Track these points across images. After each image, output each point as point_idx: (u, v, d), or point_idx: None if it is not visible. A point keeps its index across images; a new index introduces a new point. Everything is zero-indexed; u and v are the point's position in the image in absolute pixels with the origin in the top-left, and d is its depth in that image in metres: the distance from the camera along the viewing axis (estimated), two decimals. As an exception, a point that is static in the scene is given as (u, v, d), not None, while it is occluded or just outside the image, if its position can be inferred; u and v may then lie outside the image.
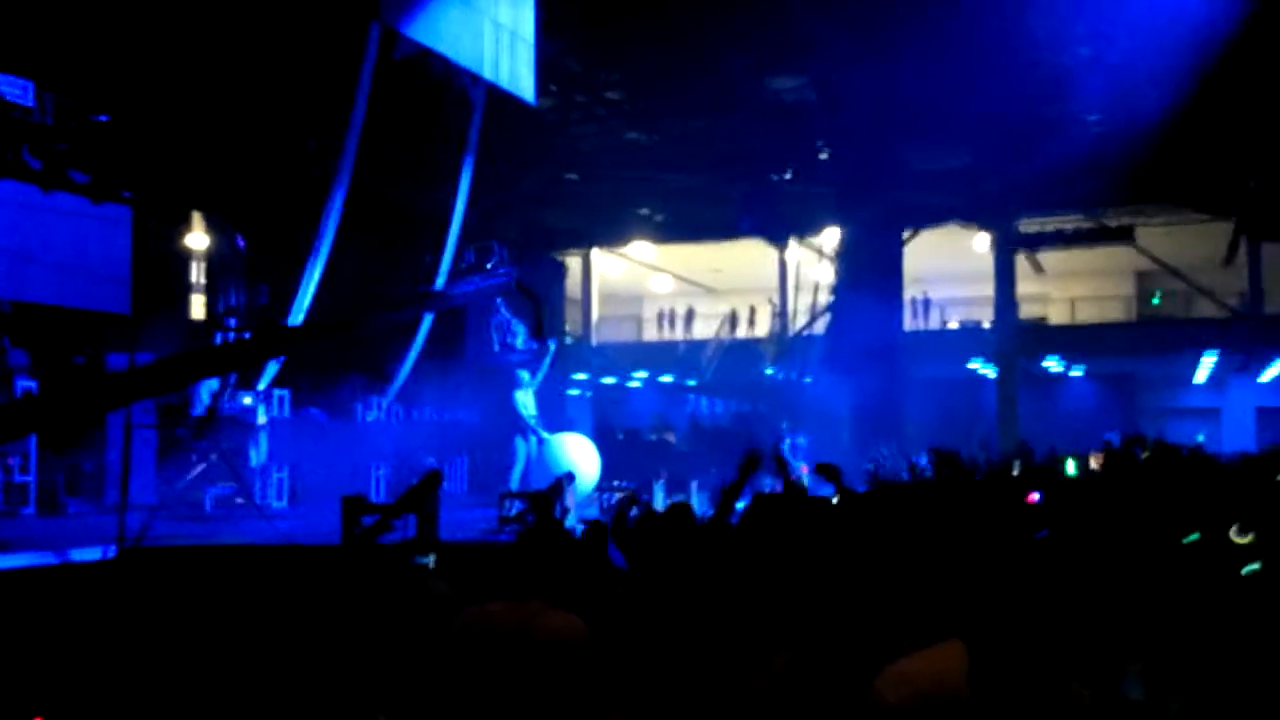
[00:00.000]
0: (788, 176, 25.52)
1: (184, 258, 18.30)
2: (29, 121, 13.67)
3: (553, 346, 16.16)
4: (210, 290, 18.59)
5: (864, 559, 4.73)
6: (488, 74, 16.99)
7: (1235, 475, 8.93)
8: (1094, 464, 13.02)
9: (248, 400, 15.13)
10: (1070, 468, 12.70)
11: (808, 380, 26.61)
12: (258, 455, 15.00)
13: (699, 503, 14.83)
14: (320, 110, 16.09)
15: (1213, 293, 27.44)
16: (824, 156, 24.47)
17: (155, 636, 6.40)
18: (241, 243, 17.82)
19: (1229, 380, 31.47)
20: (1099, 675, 3.79)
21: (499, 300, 13.56)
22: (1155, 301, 32.48)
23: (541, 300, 14.29)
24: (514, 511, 13.14)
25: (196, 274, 18.62)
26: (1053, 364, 30.69)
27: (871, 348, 22.52)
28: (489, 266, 20.00)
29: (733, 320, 34.56)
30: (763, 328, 32.44)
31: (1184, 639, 4.28)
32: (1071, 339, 29.80)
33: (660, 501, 14.09)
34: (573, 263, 31.32)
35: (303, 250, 15.78)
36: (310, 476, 15.49)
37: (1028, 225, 26.01)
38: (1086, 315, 31.72)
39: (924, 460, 14.06)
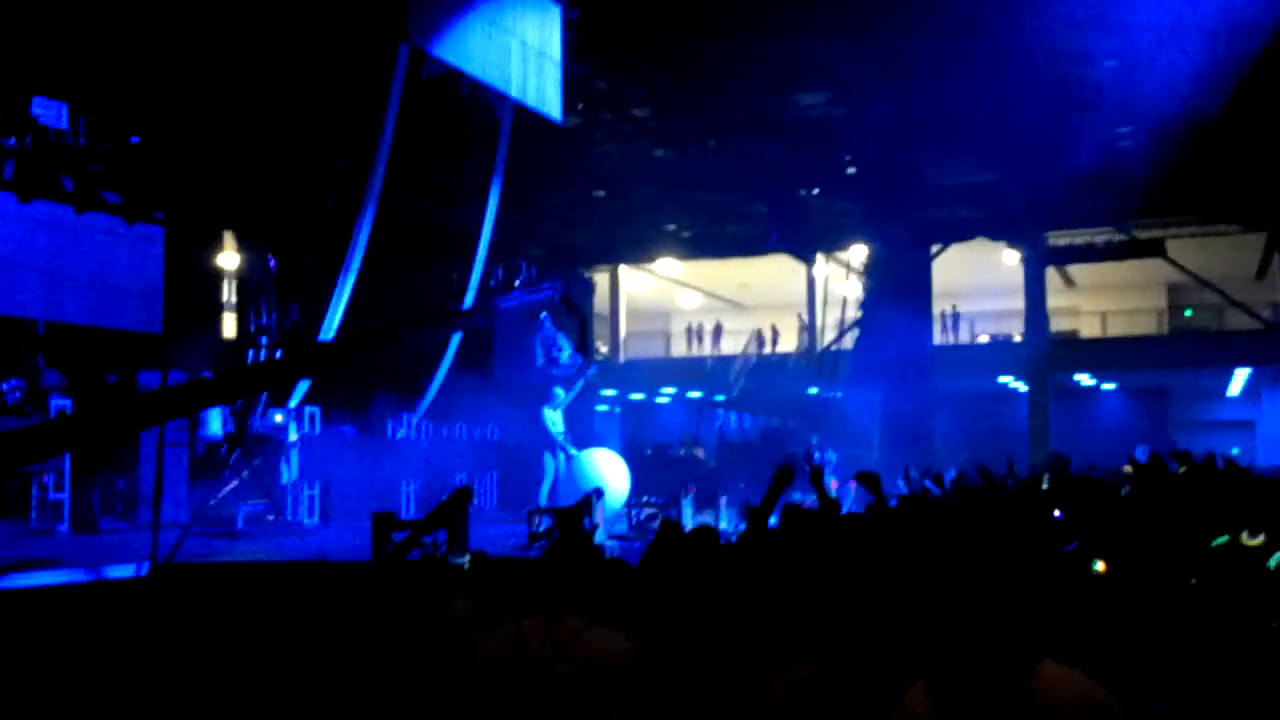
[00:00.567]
0: (815, 192, 25.53)
1: (216, 277, 18.43)
2: (63, 143, 13.85)
3: (594, 364, 16.16)
4: (241, 309, 18.72)
5: (893, 574, 4.72)
6: (515, 93, 17.06)
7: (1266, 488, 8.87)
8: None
9: (279, 418, 15.21)
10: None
11: (837, 395, 26.55)
12: (289, 472, 15.08)
13: (728, 518, 14.82)
14: (349, 130, 16.21)
15: (1246, 305, 27.23)
16: (851, 172, 24.45)
17: (189, 652, 6.44)
18: (272, 262, 17.97)
19: (1263, 393, 31.20)
20: (1131, 692, 3.78)
21: (545, 315, 13.60)
22: (1188, 315, 32.25)
23: (586, 315, 14.33)
24: (543, 527, 13.16)
25: (228, 293, 18.73)
26: (1084, 378, 30.51)
27: (900, 362, 22.45)
28: (517, 284, 20.08)
29: (760, 336, 34.57)
30: (791, 343, 32.42)
31: (1212, 659, 4.26)
32: (1103, 353, 29.61)
33: (688, 517, 14.08)
34: (600, 279, 31.40)
35: (333, 269, 15.87)
36: (341, 493, 15.55)
37: (1057, 239, 25.90)
38: (1118, 329, 31.53)
39: (952, 476, 14.01)
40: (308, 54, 15.09)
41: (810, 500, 8.08)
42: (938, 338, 28.83)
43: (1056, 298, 28.14)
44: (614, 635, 3.97)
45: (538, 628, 4.00)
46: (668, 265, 31.47)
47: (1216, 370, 29.22)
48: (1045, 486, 12.52)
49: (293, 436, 15.19)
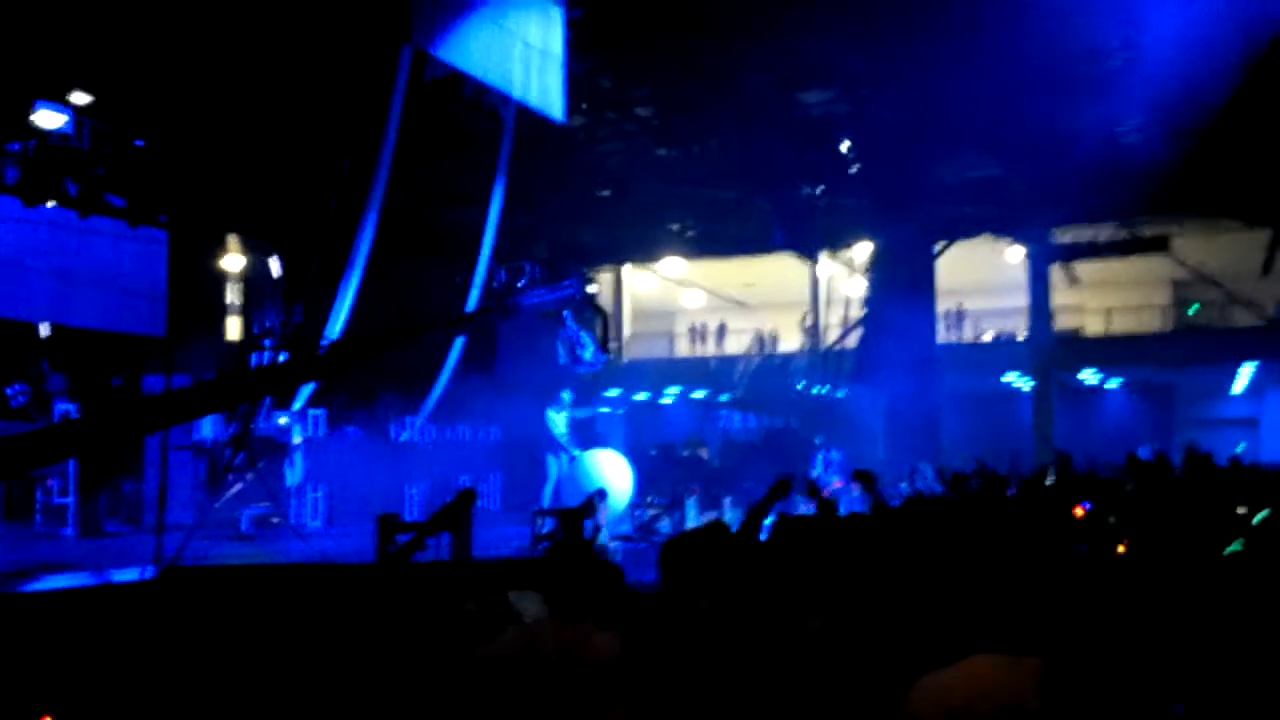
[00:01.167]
0: (819, 190, 25.50)
1: (220, 280, 18.46)
2: (67, 147, 13.87)
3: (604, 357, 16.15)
4: (246, 312, 18.75)
5: (897, 572, 4.73)
6: (518, 94, 17.08)
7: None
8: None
9: (283, 420, 15.24)
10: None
11: (841, 394, 26.53)
12: (293, 475, 15.10)
13: (733, 518, 14.82)
14: (353, 132, 16.23)
15: (1251, 302, 27.19)
16: (855, 170, 24.43)
17: (193, 655, 6.45)
18: (276, 264, 17.98)
19: (1268, 389, 31.14)
20: (1147, 696, 3.77)
21: (567, 313, 13.62)
22: (1192, 312, 32.19)
23: (608, 313, 14.36)
24: (547, 529, 13.17)
25: (232, 296, 18.77)
26: (1089, 375, 30.47)
27: (905, 361, 22.43)
28: (521, 284, 20.07)
29: (763, 339, 34.56)
30: (795, 342, 32.40)
31: (1230, 661, 4.25)
32: (1108, 350, 29.57)
33: (693, 517, 14.09)
34: (604, 279, 31.38)
35: (337, 271, 15.90)
36: (345, 495, 15.57)
37: (1062, 236, 25.86)
38: (1123, 326, 31.47)
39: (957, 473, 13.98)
40: (311, 56, 15.11)
41: (809, 509, 8.07)
42: (942, 336, 28.78)
43: (1061, 295, 28.09)
44: (612, 638, 3.98)
45: (547, 631, 4.00)
46: (672, 265, 31.47)
47: (1221, 367, 29.17)
48: (1049, 482, 12.51)
49: (297, 439, 15.21)
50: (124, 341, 16.11)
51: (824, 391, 27.43)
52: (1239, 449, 20.53)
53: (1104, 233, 25.77)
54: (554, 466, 15.72)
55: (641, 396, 32.12)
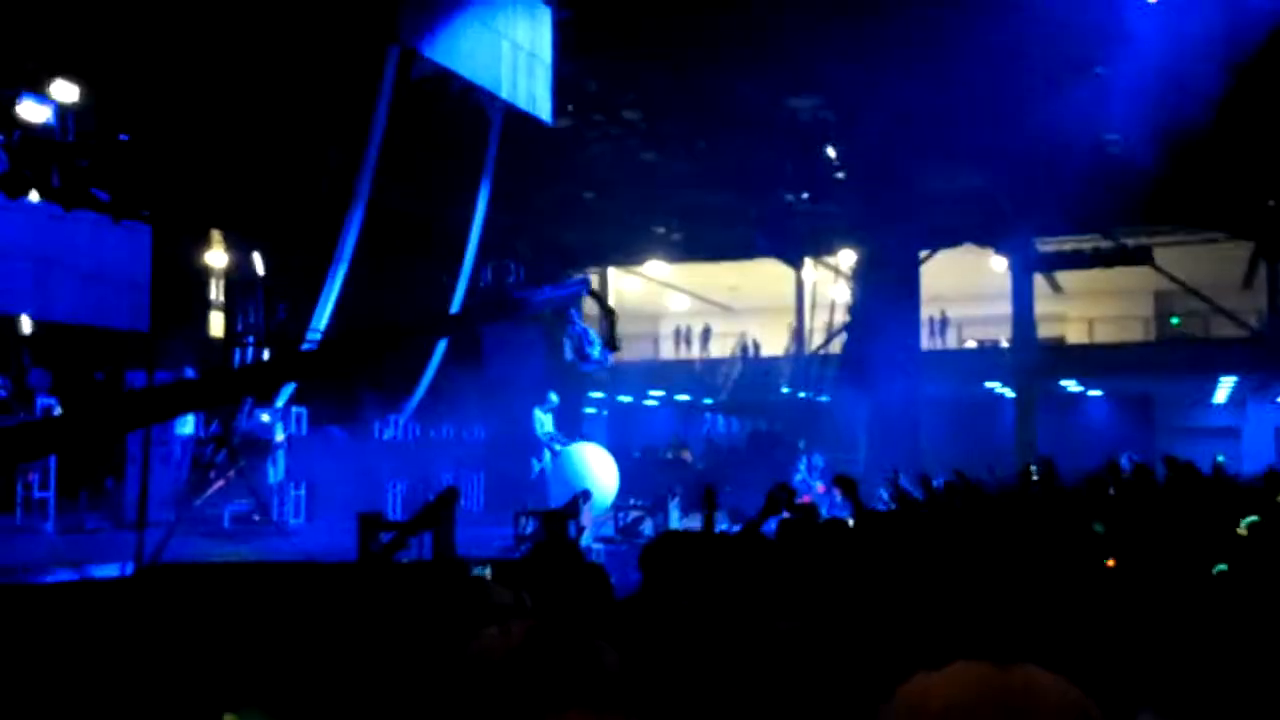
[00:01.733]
0: (804, 196, 25.56)
1: (203, 275, 18.39)
2: (50, 140, 13.79)
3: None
4: (229, 308, 18.68)
5: (882, 577, 4.74)
6: (505, 94, 17.06)
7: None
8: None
9: (265, 418, 15.18)
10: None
11: (824, 399, 26.58)
12: (275, 472, 15.05)
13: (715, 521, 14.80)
14: (339, 129, 16.18)
15: (1232, 313, 27.33)
16: (840, 176, 24.49)
17: (172, 653, 6.42)
18: (260, 260, 17.92)
19: (1248, 401, 31.31)
20: (1115, 703, 3.80)
21: (574, 311, 13.61)
22: (1175, 322, 32.35)
23: (614, 310, 14.36)
24: (529, 529, 13.17)
25: (215, 291, 18.71)
26: (1071, 384, 30.59)
27: (888, 367, 22.48)
28: (508, 283, 20.09)
29: (745, 347, 34.59)
30: (779, 347, 32.45)
31: (1200, 669, 4.28)
32: (1090, 359, 29.69)
33: (675, 520, 14.10)
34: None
35: (321, 269, 15.84)
36: (327, 493, 15.52)
37: (1045, 245, 25.96)
38: (1105, 335, 31.61)
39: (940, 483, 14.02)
40: (299, 53, 15.06)
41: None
42: (925, 343, 28.87)
43: (1044, 304, 28.20)
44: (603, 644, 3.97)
45: (523, 631, 3.99)
46: (657, 268, 31.47)
47: (1202, 378, 29.31)
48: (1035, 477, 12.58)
49: (279, 437, 15.15)
50: (106, 336, 16.02)
51: (808, 396, 27.48)
52: (1219, 459, 20.64)
53: (1087, 243, 25.88)
54: (537, 467, 15.72)
55: (625, 399, 32.13)
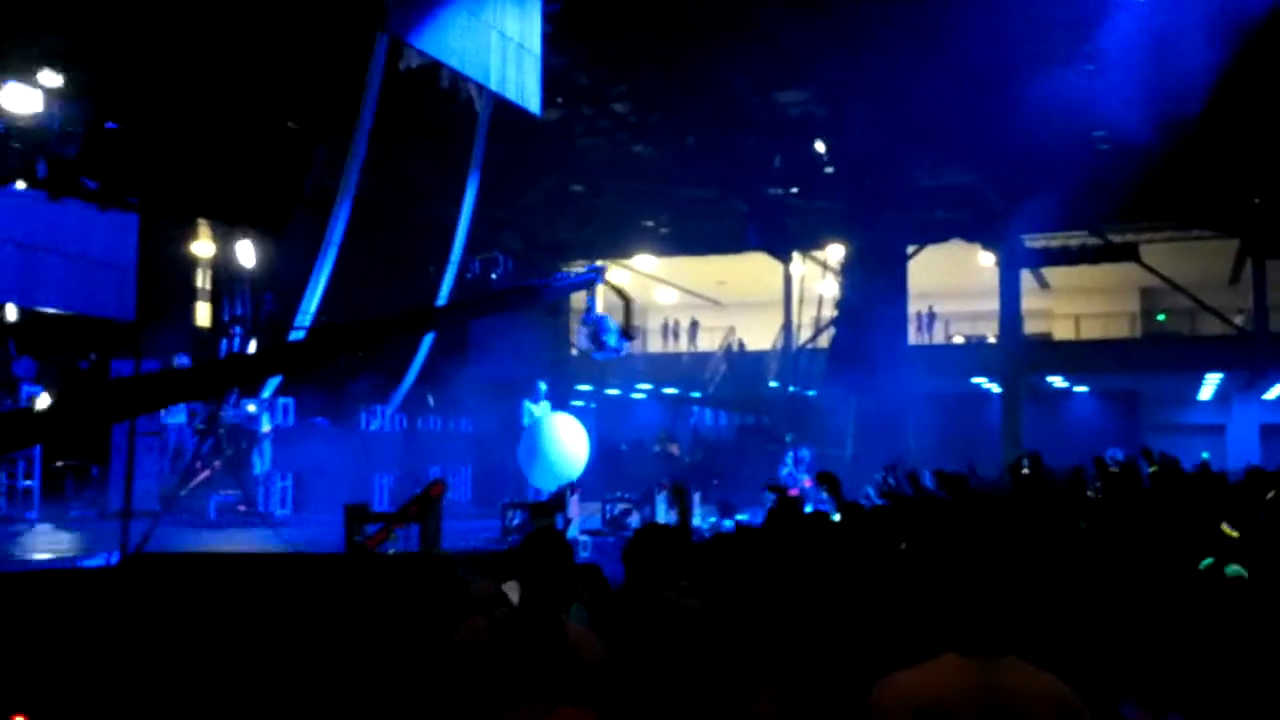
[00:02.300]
0: (793, 191, 25.58)
1: (190, 264, 18.34)
2: (37, 128, 13.74)
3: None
4: (216, 297, 18.63)
5: (867, 573, 4.75)
6: (494, 85, 17.01)
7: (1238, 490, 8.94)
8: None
9: (252, 408, 15.15)
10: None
11: (812, 394, 26.60)
12: (262, 463, 15.02)
13: (701, 515, 14.85)
14: (328, 120, 16.13)
15: (1218, 310, 27.43)
16: (829, 171, 24.51)
17: (157, 643, 6.41)
18: (248, 250, 17.87)
19: (1233, 398, 31.44)
20: (1099, 693, 3.81)
21: (591, 300, 13.59)
22: (1161, 319, 32.46)
23: (630, 298, 14.34)
24: (516, 521, 13.17)
25: (202, 281, 18.65)
26: (1057, 380, 30.68)
27: (876, 362, 22.51)
28: (494, 276, 20.04)
29: (729, 347, 34.60)
30: (767, 341, 32.47)
31: (1182, 660, 4.30)
32: (1076, 355, 29.78)
33: (663, 513, 14.11)
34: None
35: (309, 259, 15.80)
36: (314, 484, 15.50)
37: (1033, 242, 26.02)
38: (1091, 331, 31.71)
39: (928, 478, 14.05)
40: (287, 43, 15.01)
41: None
42: (913, 338, 28.93)
43: (1031, 300, 28.27)
44: (585, 632, 3.97)
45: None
46: (645, 261, 31.45)
47: (1188, 375, 29.42)
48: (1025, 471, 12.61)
49: (266, 427, 15.12)
50: (92, 325, 15.97)
51: (795, 390, 27.51)
52: (1204, 456, 20.72)
53: (1075, 240, 25.95)
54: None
55: (613, 392, 32.11)
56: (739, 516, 14.41)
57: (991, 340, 28.86)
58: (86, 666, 6.00)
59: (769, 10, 18.47)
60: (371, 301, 16.59)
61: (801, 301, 29.57)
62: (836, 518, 6.90)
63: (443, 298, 18.00)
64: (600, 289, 13.24)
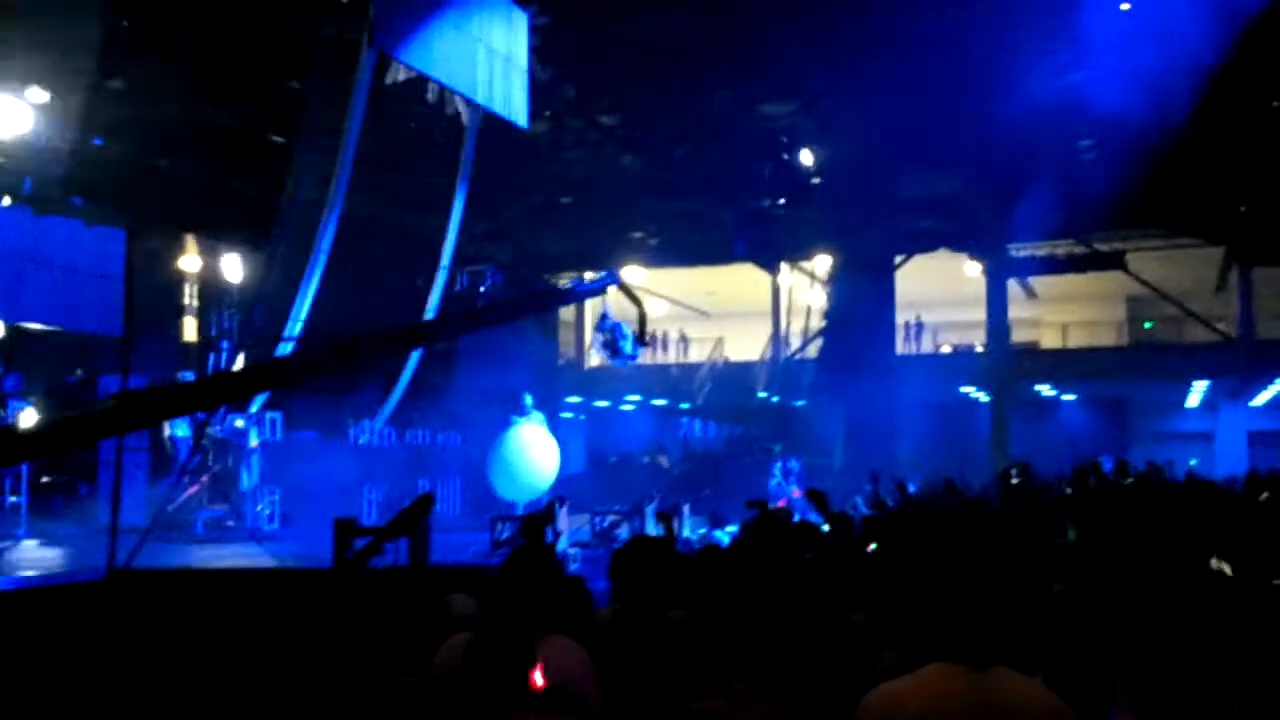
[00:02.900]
0: (780, 202, 25.63)
1: (177, 279, 18.29)
2: (24, 145, 13.72)
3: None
4: (203, 312, 18.59)
5: (855, 583, 4.75)
6: (481, 99, 17.04)
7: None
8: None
9: (239, 423, 15.11)
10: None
11: (800, 404, 26.62)
12: (249, 478, 14.98)
13: (690, 527, 14.84)
14: (315, 134, 16.13)
15: (1205, 318, 27.53)
16: (816, 182, 24.56)
17: (144, 659, 6.38)
18: (235, 265, 17.84)
19: (1221, 405, 31.52)
20: (1088, 702, 3.81)
21: (605, 307, 13.62)
22: (1148, 327, 32.54)
23: (643, 303, 14.35)
24: (505, 535, 13.15)
25: (189, 296, 18.60)
26: (1045, 389, 30.72)
27: (864, 371, 22.54)
28: (483, 289, 20.04)
29: (714, 360, 34.62)
30: (756, 351, 32.49)
31: (1171, 666, 4.30)
32: (1064, 363, 29.81)
33: (652, 525, 14.09)
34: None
35: (297, 274, 15.78)
36: (302, 499, 15.45)
37: (1019, 251, 26.10)
38: (1079, 340, 31.75)
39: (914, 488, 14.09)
40: (275, 58, 15.02)
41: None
42: (901, 348, 28.95)
43: (1018, 309, 28.31)
44: (572, 644, 3.95)
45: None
46: (634, 273, 31.45)
47: (1175, 382, 29.49)
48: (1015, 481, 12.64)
49: (253, 442, 15.08)
50: (80, 340, 15.92)
51: (784, 401, 27.52)
52: (1191, 463, 20.79)
53: (1061, 249, 26.02)
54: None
55: (602, 404, 32.11)
56: (730, 528, 14.42)
57: (979, 349, 28.89)
58: (74, 682, 5.97)
59: (753, 24, 18.51)
60: (359, 315, 16.57)
61: (790, 312, 29.59)
62: (826, 529, 6.91)
63: (431, 310, 17.99)
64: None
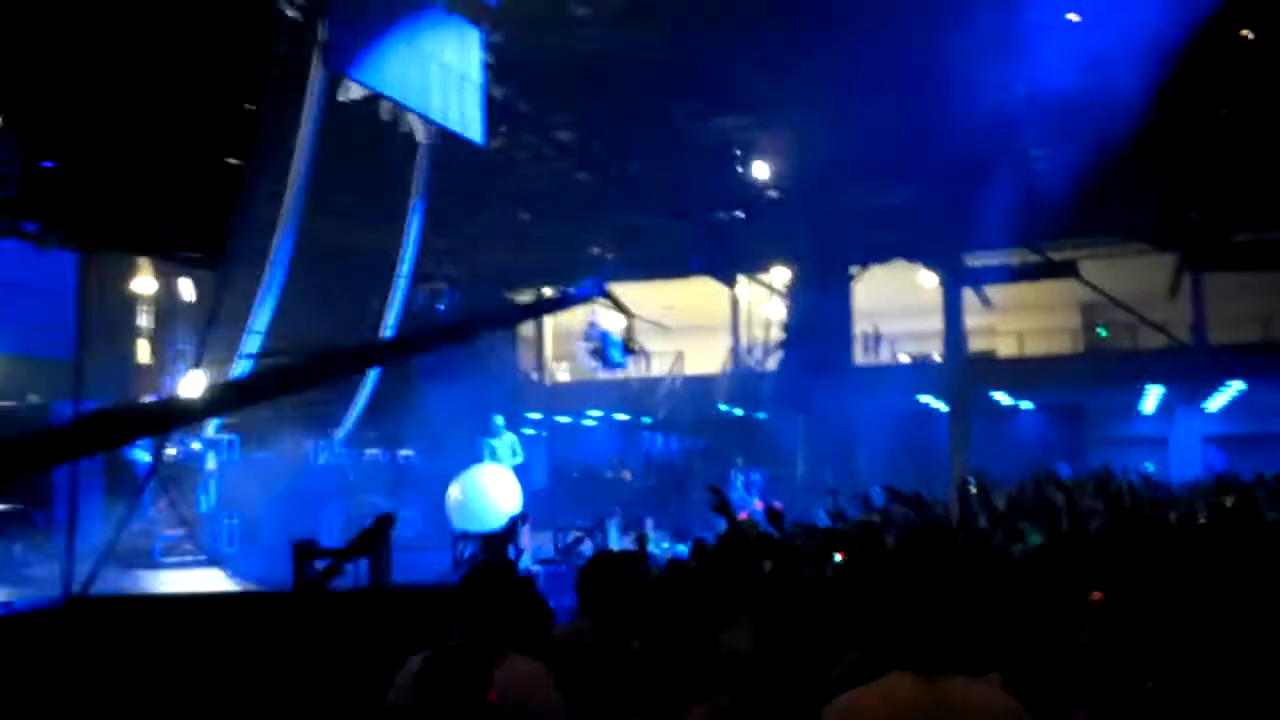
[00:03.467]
0: (737, 214, 25.73)
1: (131, 302, 18.13)
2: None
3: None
4: (158, 334, 18.43)
5: (814, 594, 4.75)
6: (436, 116, 17.00)
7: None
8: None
9: (196, 445, 14.97)
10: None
11: (762, 416, 26.68)
12: (207, 500, 14.84)
13: (654, 541, 14.82)
14: (269, 154, 16.02)
15: (1158, 324, 27.83)
16: (772, 194, 24.68)
17: (103, 688, 6.30)
18: (189, 287, 17.70)
19: (1176, 410, 31.84)
20: (1050, 709, 3.84)
21: (593, 317, 13.58)
22: (1102, 334, 32.84)
23: (632, 313, 14.30)
24: (467, 553, 13.09)
25: (144, 318, 18.44)
26: (1003, 397, 30.95)
27: (823, 383, 22.63)
28: (440, 307, 19.97)
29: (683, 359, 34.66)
30: (715, 364, 32.54)
31: (1134, 674, 4.33)
32: (1020, 372, 30.01)
33: (615, 540, 14.08)
34: (524, 302, 31.28)
35: (252, 294, 15.67)
36: (261, 521, 15.31)
37: (974, 260, 26.29)
38: (1035, 348, 31.98)
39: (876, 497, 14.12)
40: (226, 77, 14.90)
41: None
42: (859, 358, 29.10)
43: (974, 318, 28.51)
44: (533, 663, 3.93)
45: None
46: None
47: (1131, 388, 29.77)
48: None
49: (211, 464, 14.95)
50: (31, 365, 15.73)
51: (744, 413, 27.57)
52: (1148, 468, 20.99)
53: (1015, 257, 26.24)
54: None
55: (564, 419, 32.04)
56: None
57: (937, 359, 29.07)
58: (33, 712, 5.88)
59: (706, 38, 18.57)
60: (315, 334, 16.48)
61: (749, 324, 29.68)
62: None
63: (389, 328, 17.91)
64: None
